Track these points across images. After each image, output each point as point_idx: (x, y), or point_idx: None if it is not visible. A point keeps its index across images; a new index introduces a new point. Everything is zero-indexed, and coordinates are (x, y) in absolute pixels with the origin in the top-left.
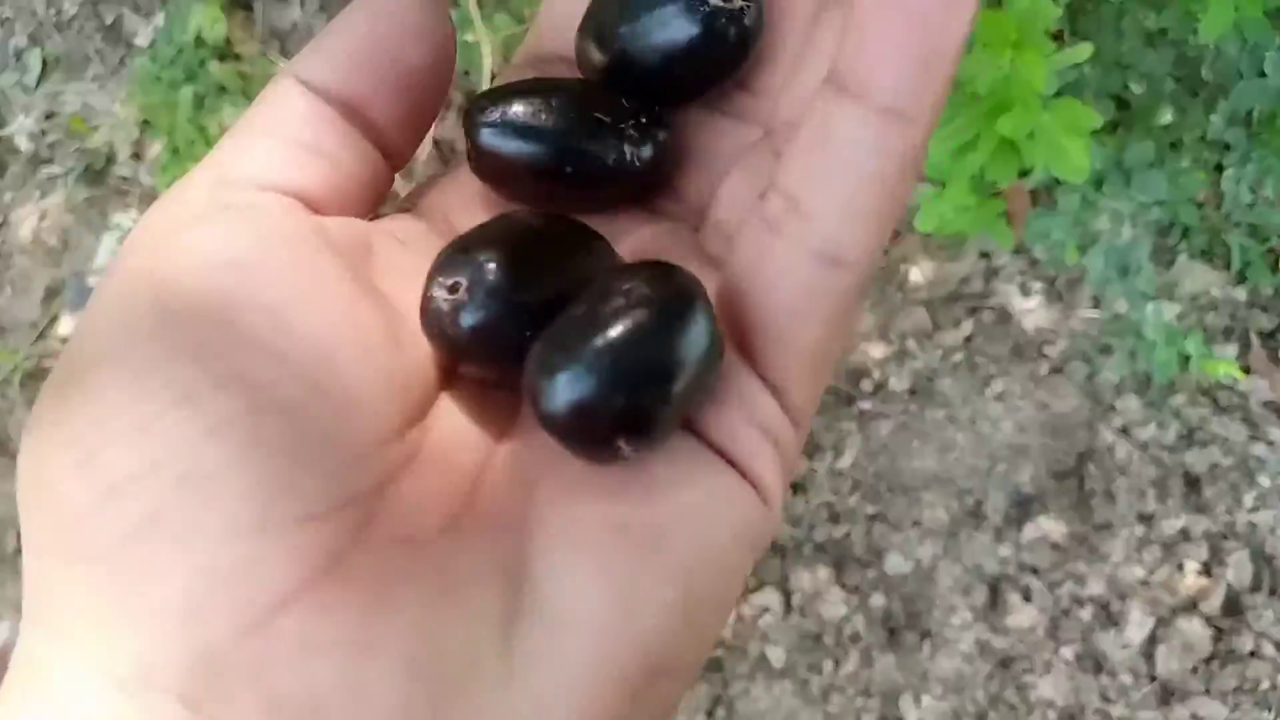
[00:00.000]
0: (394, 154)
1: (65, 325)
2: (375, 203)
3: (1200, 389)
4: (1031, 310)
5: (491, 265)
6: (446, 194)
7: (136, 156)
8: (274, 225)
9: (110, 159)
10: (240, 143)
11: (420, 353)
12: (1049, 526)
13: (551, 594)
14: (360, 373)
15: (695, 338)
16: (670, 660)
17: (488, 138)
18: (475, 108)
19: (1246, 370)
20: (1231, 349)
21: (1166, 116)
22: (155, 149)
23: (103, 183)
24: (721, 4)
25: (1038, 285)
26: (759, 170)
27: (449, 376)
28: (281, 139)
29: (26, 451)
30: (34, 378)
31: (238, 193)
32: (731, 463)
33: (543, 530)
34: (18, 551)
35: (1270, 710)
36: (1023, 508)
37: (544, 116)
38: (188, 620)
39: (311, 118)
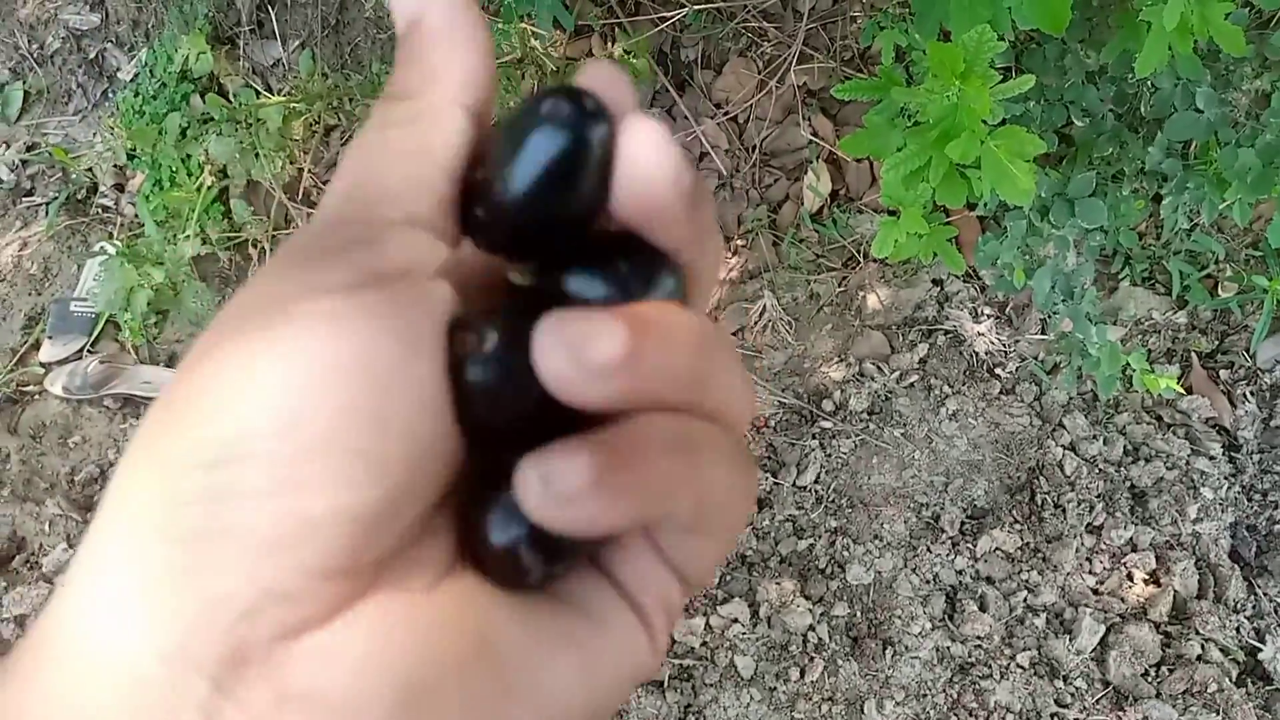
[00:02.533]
0: None
1: (45, 351)
2: None
3: (1144, 407)
4: (983, 334)
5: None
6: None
7: (119, 187)
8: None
9: (92, 189)
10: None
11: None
12: (1002, 538)
13: (455, 678)
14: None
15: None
16: None
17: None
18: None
19: (1188, 390)
20: (1173, 370)
21: (1107, 149)
22: (137, 180)
23: (85, 211)
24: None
25: (988, 310)
26: None
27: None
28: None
29: (147, 439)
30: (13, 402)
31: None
32: (634, 609)
33: (482, 635)
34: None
35: (1219, 712)
36: (977, 520)
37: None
38: (241, 619)
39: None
